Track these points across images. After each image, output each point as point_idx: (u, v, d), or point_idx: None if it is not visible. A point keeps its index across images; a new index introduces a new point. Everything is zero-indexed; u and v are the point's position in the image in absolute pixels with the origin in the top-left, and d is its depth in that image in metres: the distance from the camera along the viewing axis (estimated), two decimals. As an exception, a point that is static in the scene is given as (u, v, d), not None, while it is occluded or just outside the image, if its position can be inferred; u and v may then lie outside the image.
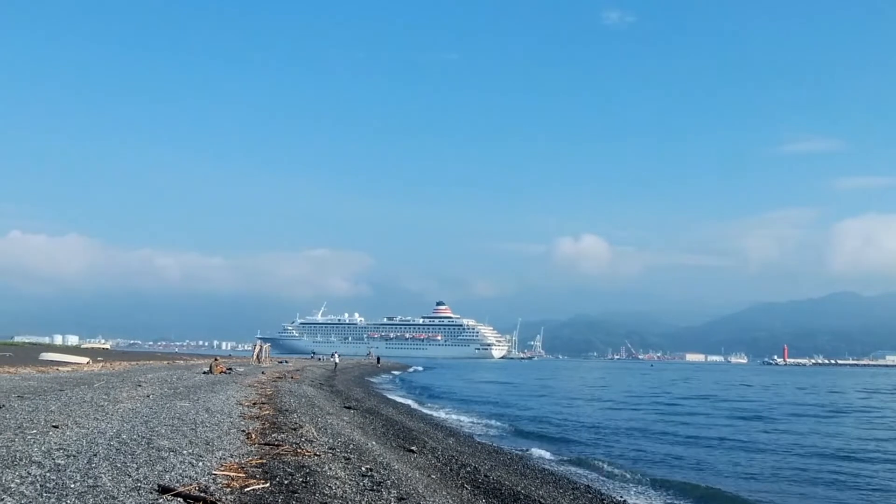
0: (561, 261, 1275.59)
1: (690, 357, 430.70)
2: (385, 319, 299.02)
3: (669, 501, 17.34)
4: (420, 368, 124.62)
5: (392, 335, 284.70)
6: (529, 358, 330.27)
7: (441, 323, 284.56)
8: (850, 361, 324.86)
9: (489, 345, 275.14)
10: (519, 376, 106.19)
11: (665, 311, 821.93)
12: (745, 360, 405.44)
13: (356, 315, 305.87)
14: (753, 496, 18.14)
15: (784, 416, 42.13)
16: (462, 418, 34.89)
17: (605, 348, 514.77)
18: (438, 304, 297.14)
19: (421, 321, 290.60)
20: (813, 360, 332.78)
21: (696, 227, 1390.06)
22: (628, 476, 20.02)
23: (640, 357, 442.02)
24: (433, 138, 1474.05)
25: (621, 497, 16.91)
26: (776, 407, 49.05)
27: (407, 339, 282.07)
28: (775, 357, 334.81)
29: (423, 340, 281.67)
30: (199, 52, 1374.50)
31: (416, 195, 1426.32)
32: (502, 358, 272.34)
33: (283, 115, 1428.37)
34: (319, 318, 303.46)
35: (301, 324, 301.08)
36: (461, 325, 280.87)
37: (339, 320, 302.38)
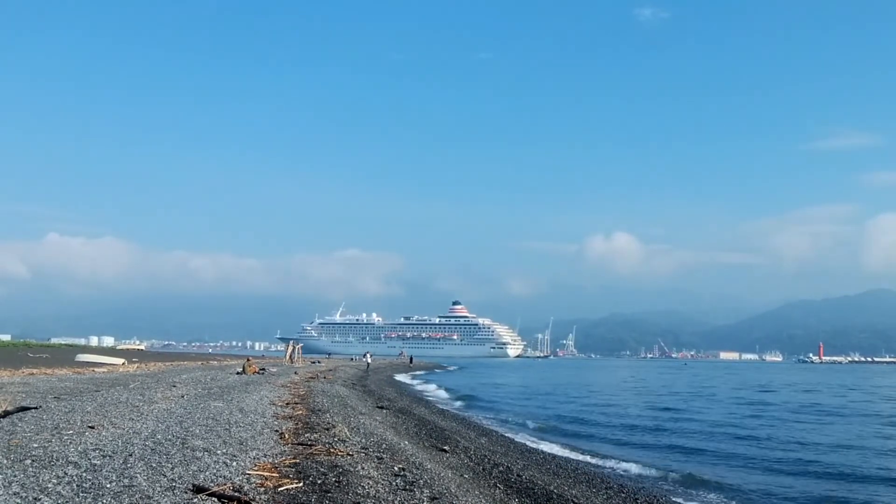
0: (593, 259, 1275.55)
1: (724, 355, 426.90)
2: (402, 319, 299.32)
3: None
4: (453, 368, 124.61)
5: (409, 335, 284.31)
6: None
7: (457, 322, 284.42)
8: (888, 359, 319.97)
9: (504, 344, 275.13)
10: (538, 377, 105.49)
11: (699, 309, 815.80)
12: (779, 359, 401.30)
13: (374, 315, 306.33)
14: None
15: None
16: (493, 417, 34.91)
17: (638, 347, 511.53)
18: (454, 303, 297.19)
19: (437, 321, 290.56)
20: (849, 358, 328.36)
21: (729, 224, 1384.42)
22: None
23: (673, 356, 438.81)
24: (464, 138, 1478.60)
25: (656, 496, 16.77)
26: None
27: (423, 339, 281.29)
28: (811, 355, 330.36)
29: (439, 340, 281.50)
30: (233, 54, 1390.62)
31: (447, 195, 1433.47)
32: (518, 357, 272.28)
33: (313, 116, 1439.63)
34: (338, 318, 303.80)
35: (320, 324, 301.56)
36: (477, 325, 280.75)
37: (357, 320, 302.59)
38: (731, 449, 25.29)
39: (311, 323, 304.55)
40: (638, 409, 41.49)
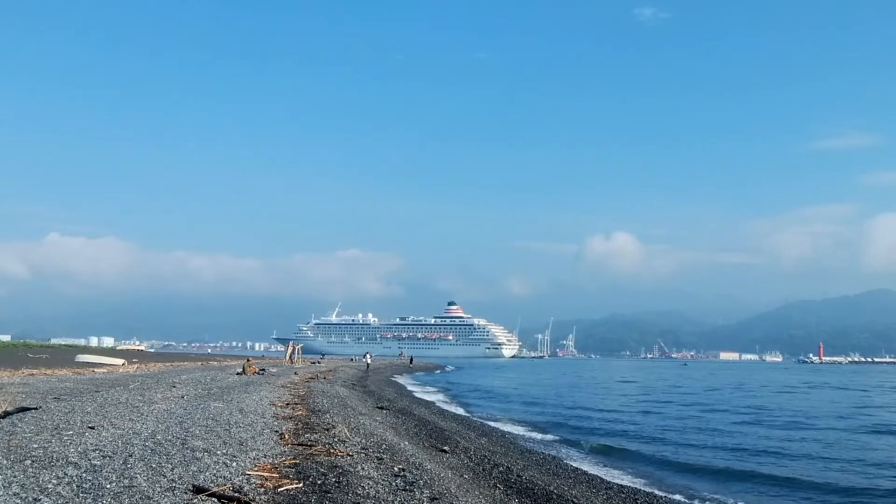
0: (593, 259, 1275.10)
1: (724, 356, 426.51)
2: (398, 319, 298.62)
3: None
4: (450, 368, 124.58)
5: (405, 335, 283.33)
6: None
7: (452, 322, 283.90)
8: (888, 359, 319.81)
9: (500, 344, 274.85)
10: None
11: (699, 309, 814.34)
12: (780, 359, 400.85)
13: (370, 315, 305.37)
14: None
15: None
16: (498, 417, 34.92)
17: (638, 347, 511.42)
18: (450, 303, 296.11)
19: (433, 321, 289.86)
20: (849, 358, 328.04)
21: (729, 224, 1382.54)
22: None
23: (673, 356, 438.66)
24: (464, 138, 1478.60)
25: (654, 494, 16.75)
26: None
27: (419, 339, 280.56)
28: (811, 355, 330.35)
29: (434, 340, 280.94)
30: (234, 54, 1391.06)
31: (447, 196, 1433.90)
32: (513, 357, 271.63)
33: (314, 116, 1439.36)
34: (334, 318, 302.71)
35: (316, 324, 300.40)
36: (472, 325, 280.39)
37: (352, 321, 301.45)
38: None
39: (308, 323, 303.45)
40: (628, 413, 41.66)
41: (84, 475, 9.15)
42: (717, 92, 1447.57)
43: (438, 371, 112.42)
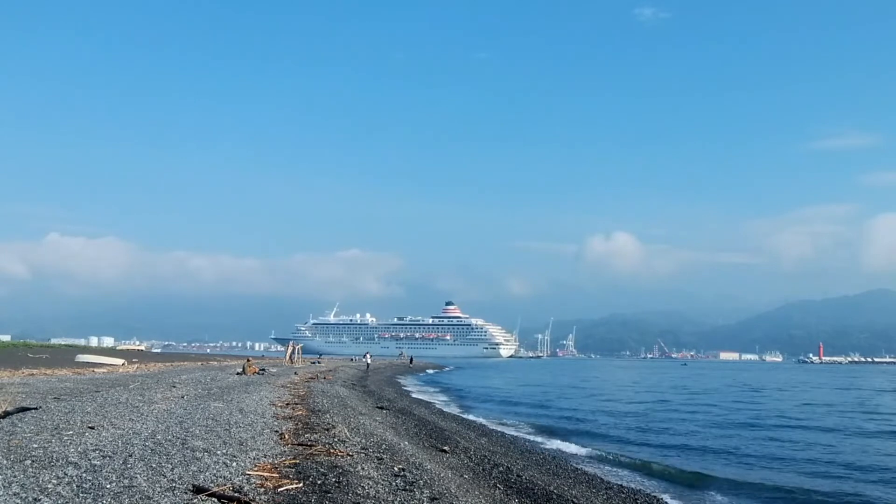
0: (593, 259, 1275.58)
1: (724, 356, 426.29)
2: (396, 319, 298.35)
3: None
4: (448, 368, 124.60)
5: (402, 335, 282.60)
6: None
7: (450, 322, 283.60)
8: (888, 359, 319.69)
9: (497, 344, 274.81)
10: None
11: (699, 309, 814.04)
12: (780, 359, 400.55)
13: (367, 315, 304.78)
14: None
15: None
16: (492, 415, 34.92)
17: (638, 347, 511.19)
18: (448, 303, 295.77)
19: (430, 321, 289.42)
20: (849, 359, 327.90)
21: (729, 224, 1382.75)
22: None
23: (673, 356, 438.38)
24: (464, 138, 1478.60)
25: (658, 496, 16.75)
26: None
27: (417, 339, 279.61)
28: (811, 355, 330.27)
29: (432, 340, 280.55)
30: (233, 54, 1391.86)
31: (447, 196, 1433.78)
32: (510, 357, 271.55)
33: (314, 116, 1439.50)
34: (332, 318, 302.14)
35: (314, 324, 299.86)
36: (470, 325, 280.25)
37: (350, 321, 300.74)
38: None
39: (306, 323, 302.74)
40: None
41: (84, 475, 9.15)
42: (717, 92, 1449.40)
43: (438, 371, 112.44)
